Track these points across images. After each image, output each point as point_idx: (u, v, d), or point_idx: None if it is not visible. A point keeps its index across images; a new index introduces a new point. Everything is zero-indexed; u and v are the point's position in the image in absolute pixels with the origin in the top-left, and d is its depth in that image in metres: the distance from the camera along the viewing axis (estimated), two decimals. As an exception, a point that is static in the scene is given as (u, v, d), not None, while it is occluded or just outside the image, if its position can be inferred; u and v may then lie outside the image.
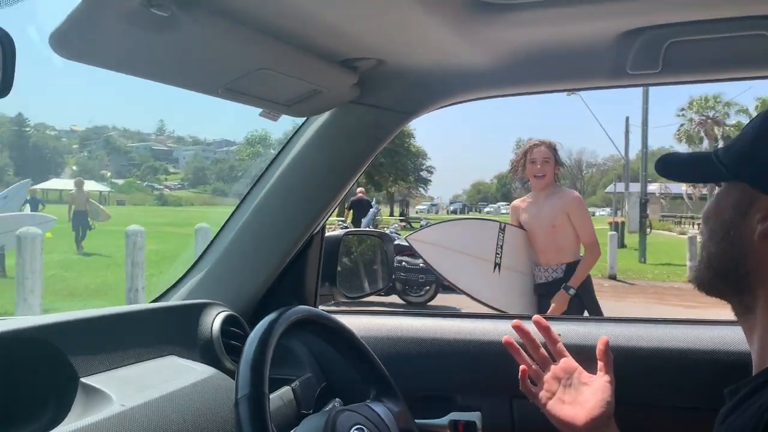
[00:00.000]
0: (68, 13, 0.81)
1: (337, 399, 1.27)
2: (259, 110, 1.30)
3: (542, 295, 3.76)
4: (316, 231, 1.50)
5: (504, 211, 72.46)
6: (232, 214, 1.51)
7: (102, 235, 17.83)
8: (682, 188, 48.48)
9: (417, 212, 59.91)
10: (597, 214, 54.43)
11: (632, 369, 1.34)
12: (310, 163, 1.40)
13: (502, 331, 1.45)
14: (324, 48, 1.11)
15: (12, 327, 0.96)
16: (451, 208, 75.26)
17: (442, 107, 1.36)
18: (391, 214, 44.66)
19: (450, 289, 11.13)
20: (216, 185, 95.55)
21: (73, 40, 0.84)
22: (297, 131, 1.42)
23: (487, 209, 78.28)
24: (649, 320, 1.46)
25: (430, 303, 9.89)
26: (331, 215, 1.51)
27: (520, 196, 4.22)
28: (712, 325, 1.38)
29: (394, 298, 9.50)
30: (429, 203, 75.04)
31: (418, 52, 1.18)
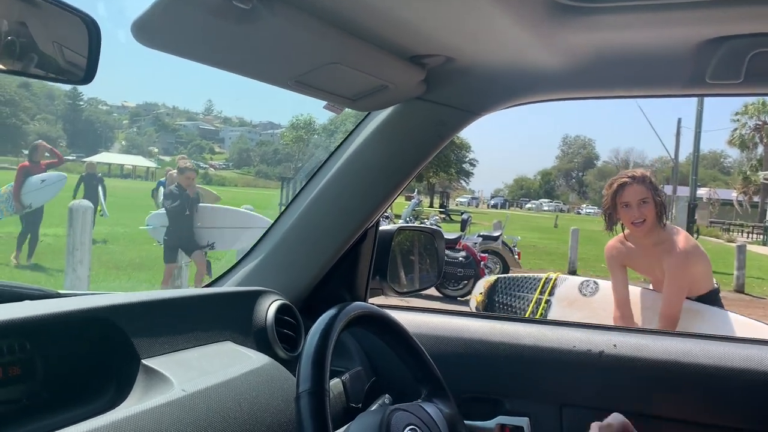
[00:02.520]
0: (152, 2, 0.82)
1: (386, 395, 1.28)
2: (322, 102, 1.30)
3: None
4: (370, 225, 1.50)
5: (546, 208, 71.72)
6: (289, 203, 1.52)
7: (143, 209, 18.25)
8: (733, 194, 47.09)
9: (457, 204, 59.61)
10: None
11: (688, 386, 1.31)
12: (369, 158, 1.40)
13: (554, 337, 1.43)
14: (394, 44, 1.10)
15: (79, 306, 0.98)
16: (492, 202, 74.74)
17: (507, 107, 1.34)
18: (431, 206, 44.54)
19: (488, 284, 11.09)
20: (259, 167, 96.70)
21: (155, 29, 0.85)
22: (358, 125, 1.42)
23: (528, 205, 77.46)
24: (703, 336, 1.42)
25: (466, 298, 9.86)
26: (387, 209, 1.51)
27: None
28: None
29: (432, 290, 9.50)
30: (470, 196, 74.54)
31: (489, 51, 1.16)
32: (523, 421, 1.38)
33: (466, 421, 1.21)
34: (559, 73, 1.21)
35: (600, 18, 1.00)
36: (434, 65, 1.20)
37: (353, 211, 1.44)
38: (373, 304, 1.32)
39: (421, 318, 1.55)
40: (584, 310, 3.20)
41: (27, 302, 0.96)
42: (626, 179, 2.86)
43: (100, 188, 12.08)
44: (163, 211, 7.52)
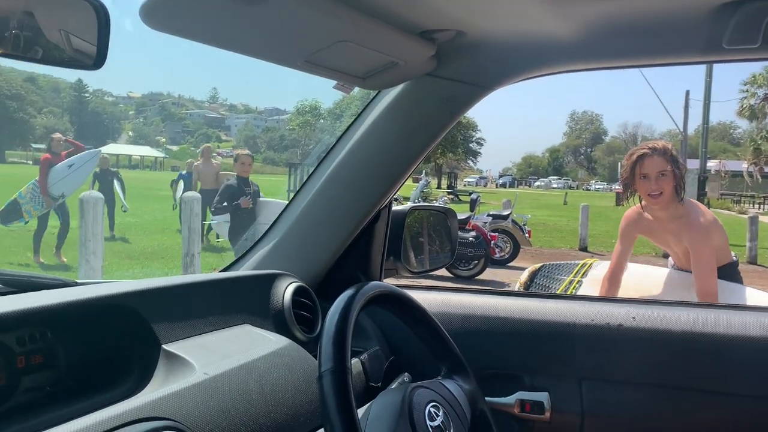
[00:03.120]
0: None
1: (405, 373, 1.28)
2: (332, 82, 1.29)
3: None
4: (383, 206, 1.49)
5: (555, 185, 71.44)
6: (302, 186, 1.51)
7: (153, 200, 18.34)
8: (743, 165, 46.70)
9: (465, 185, 59.45)
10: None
11: (708, 357, 1.30)
12: (381, 137, 1.39)
13: (572, 312, 1.42)
14: (404, 19, 1.08)
15: (98, 293, 0.99)
16: (500, 181, 74.48)
17: (519, 81, 1.32)
18: (439, 187, 44.46)
19: (499, 263, 11.11)
20: (267, 154, 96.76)
21: (164, 12, 0.85)
22: (369, 104, 1.41)
23: (537, 183, 77.17)
24: (722, 306, 1.42)
25: (478, 278, 9.87)
26: (399, 189, 1.50)
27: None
28: None
29: (442, 271, 9.50)
30: (478, 176, 74.38)
31: (500, 24, 1.14)
32: (543, 396, 1.38)
33: (486, 398, 1.21)
34: (571, 44, 1.19)
35: None
36: (444, 40, 1.18)
37: (366, 192, 1.43)
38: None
39: (437, 296, 1.54)
40: None
41: (45, 291, 0.97)
42: (646, 150, 2.82)
43: (116, 183, 11.54)
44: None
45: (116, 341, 1.00)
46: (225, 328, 1.15)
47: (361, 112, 1.43)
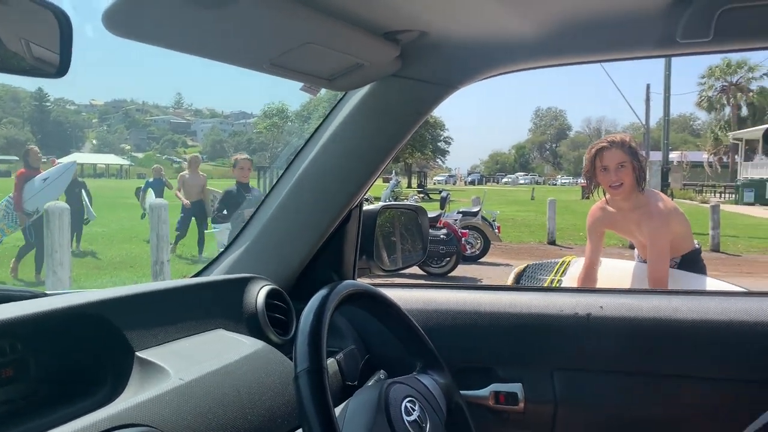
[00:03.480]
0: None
1: (381, 371, 1.29)
2: (299, 84, 1.30)
3: None
4: (354, 206, 1.50)
5: (522, 181, 72.19)
6: (271, 189, 1.51)
7: (120, 208, 18.03)
8: (704, 156, 47.79)
9: (435, 183, 59.70)
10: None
11: (676, 342, 1.34)
12: (349, 138, 1.40)
13: (541, 303, 1.45)
14: (368, 21, 1.09)
15: (68, 303, 0.98)
16: (469, 179, 74.97)
17: (483, 79, 1.34)
18: (409, 186, 44.55)
19: (470, 260, 11.19)
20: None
21: (126, 18, 0.84)
22: (336, 105, 1.42)
23: (504, 180, 77.89)
24: (687, 293, 1.46)
25: (450, 274, 9.93)
26: (370, 189, 1.51)
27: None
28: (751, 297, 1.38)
29: (415, 269, 9.54)
30: (447, 174, 74.73)
31: (462, 24, 1.16)
32: (517, 387, 1.41)
33: (461, 391, 1.23)
34: (532, 42, 1.22)
35: None
36: (408, 41, 1.20)
37: (336, 193, 1.44)
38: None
39: (409, 293, 1.56)
40: None
41: (14, 303, 0.96)
42: (605, 144, 2.93)
43: (84, 194, 10.82)
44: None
45: (89, 351, 0.99)
46: (199, 334, 1.15)
47: (329, 113, 1.43)
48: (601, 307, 1.41)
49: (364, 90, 1.36)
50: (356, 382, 1.34)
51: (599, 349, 1.39)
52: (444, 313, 1.50)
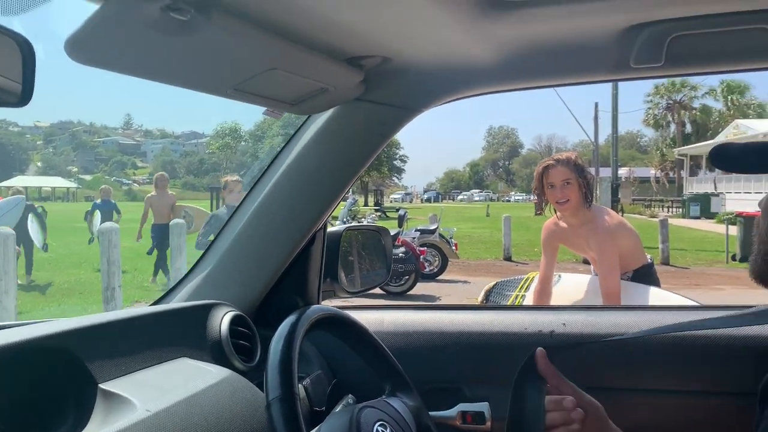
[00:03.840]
0: (85, 19, 0.80)
1: (349, 395, 1.28)
2: (247, 108, 1.30)
3: None
4: (318, 228, 1.50)
5: (477, 198, 73.14)
6: (233, 213, 1.50)
7: (67, 233, 17.51)
8: (651, 172, 49.37)
9: (392, 201, 59.94)
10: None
11: (636, 356, 1.38)
12: (313, 161, 1.40)
13: (505, 322, 1.47)
14: (332, 47, 1.10)
15: (26, 336, 0.94)
16: (425, 196, 75.54)
17: (445, 103, 1.36)
18: (366, 204, 44.58)
19: (429, 277, 11.24)
20: (186, 179, 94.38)
21: (89, 46, 0.83)
22: (299, 129, 1.42)
23: (460, 197, 78.82)
24: (644, 308, 1.51)
25: (409, 293, 9.95)
26: (333, 212, 1.51)
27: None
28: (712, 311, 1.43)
29: (375, 289, 9.51)
30: (403, 192, 75.18)
31: (424, 50, 1.18)
32: (483, 407, 1.42)
33: (429, 412, 1.23)
34: (492, 67, 1.25)
35: (529, 11, 1.04)
36: (371, 66, 1.21)
37: (299, 216, 1.43)
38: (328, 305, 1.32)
39: (372, 315, 1.57)
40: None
41: None
42: (551, 162, 3.04)
43: (34, 219, 10.12)
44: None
45: (48, 384, 0.96)
46: (163, 363, 1.12)
47: (292, 136, 1.43)
48: (564, 324, 1.44)
49: (327, 113, 1.36)
50: (324, 408, 1.33)
51: (563, 364, 1.41)
52: (410, 333, 1.51)
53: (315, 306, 1.04)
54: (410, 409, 1.12)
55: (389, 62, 1.21)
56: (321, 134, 1.38)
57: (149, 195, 10.15)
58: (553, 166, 3.00)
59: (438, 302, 9.30)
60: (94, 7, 0.79)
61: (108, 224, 7.80)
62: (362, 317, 1.51)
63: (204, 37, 0.89)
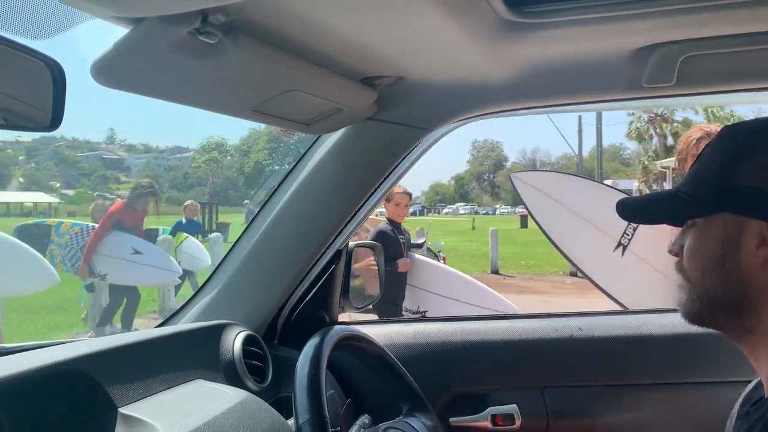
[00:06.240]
0: (113, 42, 0.80)
1: (365, 415, 1.28)
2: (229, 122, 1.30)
3: None
4: (340, 245, 1.52)
5: (462, 211, 73.37)
6: (243, 232, 1.49)
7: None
8: (634, 184, 49.85)
9: (377, 215, 59.81)
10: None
11: (644, 353, 1.53)
12: (324, 180, 1.40)
13: (526, 329, 1.57)
14: (348, 67, 1.11)
15: (47, 360, 0.93)
16: (411, 210, 75.43)
17: (458, 122, 1.37)
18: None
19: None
20: (170, 193, 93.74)
21: (116, 69, 0.83)
22: (311, 147, 1.42)
23: (446, 210, 79.04)
24: (653, 311, 1.59)
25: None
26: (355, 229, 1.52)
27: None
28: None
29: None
30: (388, 206, 75.00)
31: (438, 69, 1.19)
32: (513, 409, 1.49)
33: (459, 417, 1.39)
34: (506, 87, 1.26)
35: (545, 33, 1.05)
36: (385, 85, 1.22)
37: (311, 235, 1.43)
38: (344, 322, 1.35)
39: (392, 328, 1.60)
40: None
41: None
42: (704, 134, 2.92)
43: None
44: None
45: (69, 409, 0.95)
46: (179, 385, 1.11)
47: (303, 156, 1.44)
48: (580, 328, 1.54)
49: (339, 132, 1.37)
50: (339, 428, 1.32)
51: (581, 365, 1.54)
52: (434, 344, 1.58)
53: (336, 326, 1.03)
54: (429, 429, 1.12)
55: (403, 81, 1.22)
56: (332, 154, 1.38)
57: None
58: (705, 138, 2.86)
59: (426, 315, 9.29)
60: (115, 29, 0.80)
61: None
62: (379, 331, 1.55)
63: (229, 60, 0.89)
